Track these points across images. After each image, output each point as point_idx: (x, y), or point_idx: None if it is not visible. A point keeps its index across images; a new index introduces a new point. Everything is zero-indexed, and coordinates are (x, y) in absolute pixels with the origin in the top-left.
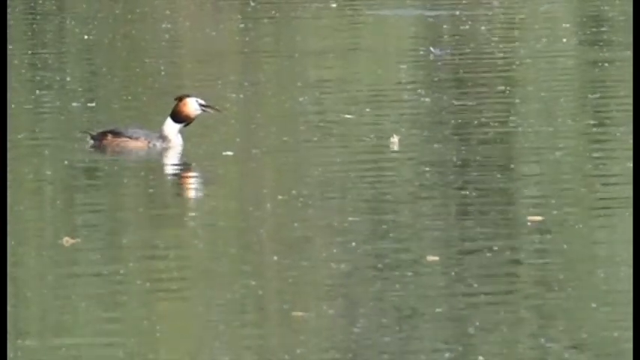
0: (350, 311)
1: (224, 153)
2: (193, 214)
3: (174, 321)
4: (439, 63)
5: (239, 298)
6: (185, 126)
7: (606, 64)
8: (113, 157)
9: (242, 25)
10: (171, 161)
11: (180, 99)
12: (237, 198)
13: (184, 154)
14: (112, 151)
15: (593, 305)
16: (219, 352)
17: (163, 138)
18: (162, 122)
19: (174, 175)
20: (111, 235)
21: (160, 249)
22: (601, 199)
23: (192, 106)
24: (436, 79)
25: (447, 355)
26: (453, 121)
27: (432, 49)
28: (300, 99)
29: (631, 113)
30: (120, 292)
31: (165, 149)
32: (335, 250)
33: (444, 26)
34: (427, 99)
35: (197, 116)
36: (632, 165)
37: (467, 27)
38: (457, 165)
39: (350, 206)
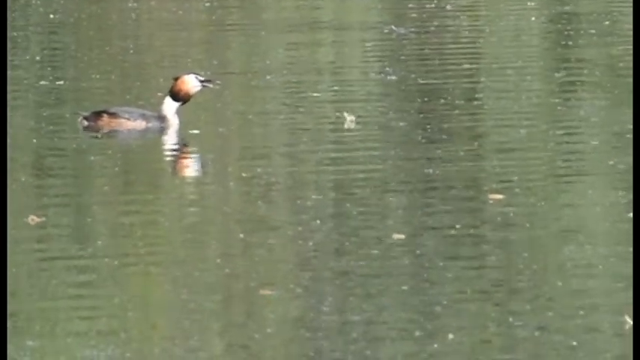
0: (317, 289)
1: (190, 131)
2: (162, 194)
3: (144, 300)
4: (404, 41)
5: (207, 277)
6: (183, 104)
7: (570, 43)
8: (92, 136)
9: (208, 4)
10: (165, 140)
11: (177, 78)
12: (202, 177)
13: (179, 134)
14: (108, 131)
15: (559, 283)
16: (189, 330)
17: (162, 118)
18: (159, 102)
19: (154, 154)
20: (79, 215)
21: (127, 228)
22: (564, 175)
23: (191, 82)
24: (402, 57)
25: (416, 333)
26: (418, 99)
27: (394, 27)
28: (267, 77)
29: (596, 91)
30: (89, 270)
31: (163, 129)
32: (300, 229)
33: (409, 5)
34: (393, 77)
35: (197, 93)
36: (596, 143)
37: (432, 5)
38: (422, 142)
39: (314, 184)
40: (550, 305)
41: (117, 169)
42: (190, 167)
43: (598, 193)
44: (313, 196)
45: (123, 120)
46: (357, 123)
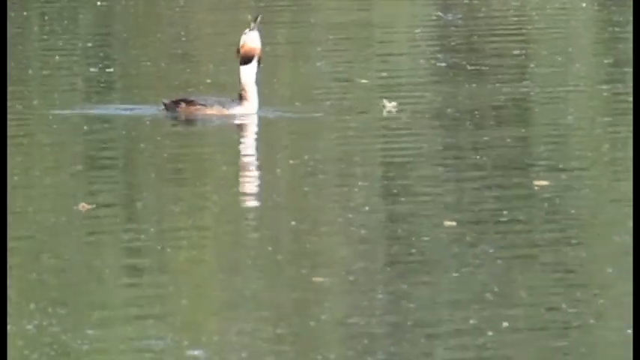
0: (369, 276)
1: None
2: (208, 179)
3: (196, 286)
4: (452, 28)
5: (259, 264)
6: (259, 64)
7: (618, 29)
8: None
9: None
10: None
11: (238, 49)
12: (251, 163)
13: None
14: (186, 119)
15: (610, 270)
16: (242, 317)
17: (240, 98)
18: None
19: (197, 137)
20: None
21: (176, 215)
22: (609, 163)
23: (252, 40)
24: (452, 43)
25: (470, 321)
26: (466, 85)
27: (441, 14)
28: (318, 63)
29: None
30: (141, 256)
31: (241, 114)
32: (350, 216)
33: None
34: (443, 63)
35: (258, 45)
36: None
37: None
38: (469, 129)
39: (361, 171)
40: (603, 293)
41: (165, 155)
42: (244, 155)
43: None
44: (360, 183)
45: (199, 107)
46: (402, 110)
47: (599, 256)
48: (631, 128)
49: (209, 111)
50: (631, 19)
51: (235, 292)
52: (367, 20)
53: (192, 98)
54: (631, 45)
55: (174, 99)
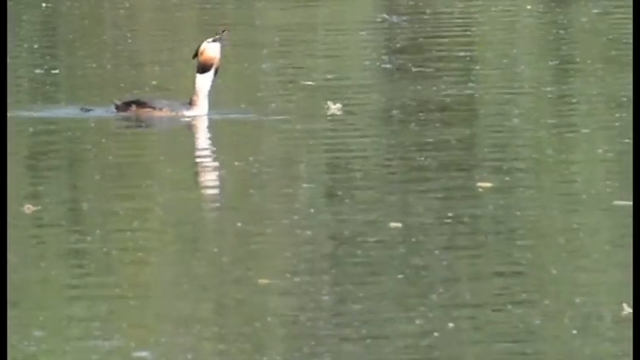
0: (314, 278)
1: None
2: (153, 182)
3: (142, 288)
4: (397, 29)
5: (204, 266)
6: (215, 74)
7: (561, 31)
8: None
9: None
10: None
11: (196, 54)
12: (197, 165)
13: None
14: (137, 120)
15: (554, 271)
16: (188, 318)
17: (190, 102)
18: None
19: (144, 143)
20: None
21: (122, 216)
22: (554, 165)
23: (211, 50)
24: (397, 45)
25: (416, 321)
26: (411, 87)
27: (386, 16)
28: (263, 65)
29: (589, 79)
30: (86, 258)
31: (191, 117)
32: (296, 217)
33: None
34: (388, 65)
35: (218, 57)
36: (588, 131)
37: None
38: (415, 130)
39: (306, 173)
40: (548, 294)
41: (111, 157)
42: (190, 157)
43: (586, 180)
44: (305, 185)
45: (150, 109)
46: (349, 112)
47: (543, 257)
48: (575, 129)
49: (159, 113)
50: (575, 20)
51: (181, 293)
52: (312, 22)
53: (143, 100)
54: (575, 46)
55: (126, 100)
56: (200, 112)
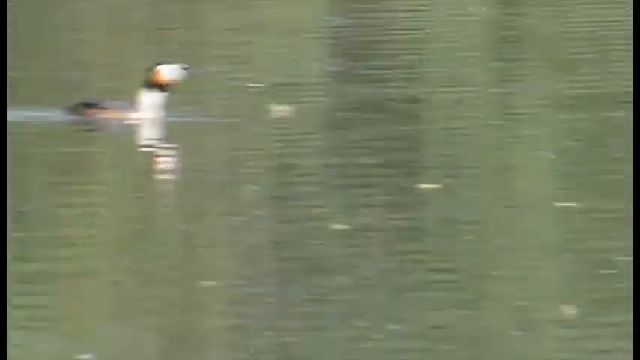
0: (257, 280)
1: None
2: (99, 184)
3: (84, 290)
4: (342, 31)
5: (147, 267)
6: (162, 92)
7: (507, 32)
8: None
9: None
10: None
11: (151, 68)
12: (142, 167)
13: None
14: (86, 122)
15: (496, 273)
16: (130, 320)
17: (139, 108)
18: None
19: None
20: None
21: (66, 220)
22: (497, 167)
23: (166, 72)
24: (342, 46)
25: (358, 323)
26: (357, 89)
27: (330, 17)
28: (209, 68)
29: (536, 80)
30: (30, 261)
31: (142, 120)
32: (240, 219)
33: None
34: (333, 67)
35: (174, 81)
36: (532, 133)
37: None
38: (361, 134)
39: (251, 174)
40: (491, 296)
41: (57, 159)
42: (136, 160)
43: (529, 182)
44: (249, 187)
45: (100, 110)
46: (294, 114)
47: (488, 259)
48: (520, 131)
49: (109, 115)
50: (521, 21)
51: (124, 296)
52: (258, 24)
53: (94, 101)
54: (521, 48)
55: (77, 102)
56: (148, 114)
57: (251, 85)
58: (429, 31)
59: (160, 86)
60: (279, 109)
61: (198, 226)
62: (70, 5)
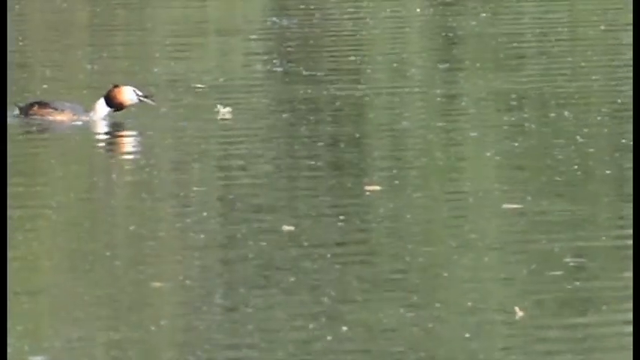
0: (206, 281)
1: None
2: (48, 184)
3: (35, 292)
4: (287, 33)
5: (97, 269)
6: (115, 111)
7: (450, 34)
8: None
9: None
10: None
11: (117, 86)
12: (91, 168)
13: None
14: (37, 121)
15: (445, 274)
16: (81, 322)
17: (90, 112)
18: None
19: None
20: None
21: (15, 220)
22: (443, 168)
23: (127, 94)
24: (288, 48)
25: (310, 325)
26: (301, 90)
27: (276, 19)
28: (155, 69)
29: (478, 82)
30: None
31: (90, 122)
32: (188, 221)
33: None
34: (279, 68)
35: (131, 105)
36: (476, 134)
37: None
38: (305, 134)
39: (198, 176)
40: (439, 296)
41: (10, 159)
42: (84, 161)
43: (475, 183)
44: (196, 188)
45: (51, 110)
46: (239, 115)
47: (434, 260)
48: (464, 132)
49: (60, 116)
50: (464, 23)
51: (75, 297)
52: (204, 26)
53: (46, 101)
54: (464, 49)
55: (28, 102)
56: (100, 115)
57: (195, 86)
58: (372, 32)
59: (118, 105)
60: (224, 111)
61: (146, 227)
62: (12, 5)
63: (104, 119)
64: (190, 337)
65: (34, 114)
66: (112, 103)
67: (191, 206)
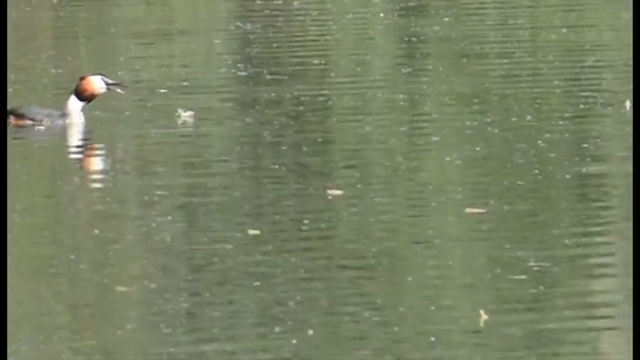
0: (171, 285)
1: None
2: (11, 189)
3: None
4: (251, 37)
5: (61, 272)
6: (87, 103)
7: (414, 39)
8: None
9: (55, 1)
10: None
11: (83, 78)
12: (54, 172)
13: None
14: (14, 130)
15: (410, 278)
16: (45, 327)
17: (66, 115)
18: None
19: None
20: None
21: None
22: (405, 172)
23: (96, 83)
24: (252, 52)
25: (276, 329)
26: (265, 94)
27: (240, 24)
28: (119, 73)
29: (441, 87)
30: None
31: (67, 125)
32: (153, 224)
33: (257, 1)
34: (243, 73)
35: (101, 94)
36: (438, 138)
37: (279, 1)
38: (268, 140)
39: (162, 180)
40: (403, 299)
41: None
42: (48, 164)
43: (437, 188)
44: (160, 192)
45: (28, 121)
46: (202, 119)
47: (398, 263)
48: (427, 136)
49: (37, 126)
50: (427, 28)
51: (39, 301)
52: (167, 30)
53: (22, 111)
54: (428, 54)
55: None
56: (75, 114)
57: (159, 89)
58: (336, 36)
59: (89, 96)
60: (185, 115)
61: (111, 231)
62: None
63: (81, 118)
64: (154, 340)
65: (10, 123)
66: (83, 96)
67: (155, 210)
